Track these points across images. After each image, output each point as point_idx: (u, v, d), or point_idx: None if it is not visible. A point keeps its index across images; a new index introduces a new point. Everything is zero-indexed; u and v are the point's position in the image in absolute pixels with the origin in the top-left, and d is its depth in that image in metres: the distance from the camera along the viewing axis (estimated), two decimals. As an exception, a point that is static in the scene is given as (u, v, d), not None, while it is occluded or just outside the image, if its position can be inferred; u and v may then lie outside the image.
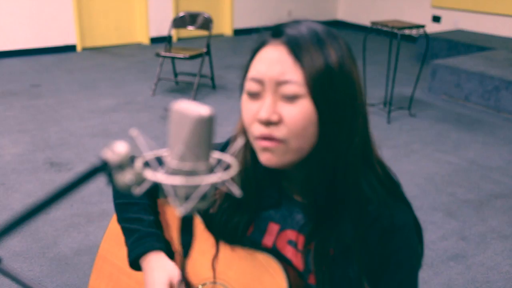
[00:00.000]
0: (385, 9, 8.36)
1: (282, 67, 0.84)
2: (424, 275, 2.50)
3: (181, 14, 5.36)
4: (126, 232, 1.10)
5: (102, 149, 3.84)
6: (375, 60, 6.22)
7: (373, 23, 4.72)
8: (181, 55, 5.08)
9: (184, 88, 5.42)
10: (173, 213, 1.16)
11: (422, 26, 4.61)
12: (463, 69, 5.26)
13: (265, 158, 0.89)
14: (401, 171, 3.62)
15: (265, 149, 0.88)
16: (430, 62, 5.65)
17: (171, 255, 1.10)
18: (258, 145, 0.89)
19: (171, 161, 0.65)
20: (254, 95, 0.87)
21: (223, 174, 0.65)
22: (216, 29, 7.92)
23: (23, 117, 4.46)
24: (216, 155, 0.67)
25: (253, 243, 1.00)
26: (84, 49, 7.08)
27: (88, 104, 4.83)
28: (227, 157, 0.68)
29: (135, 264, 1.07)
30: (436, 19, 7.78)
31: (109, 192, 3.23)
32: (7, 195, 3.17)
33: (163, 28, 7.37)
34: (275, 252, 0.98)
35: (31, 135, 4.02)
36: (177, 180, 0.63)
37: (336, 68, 0.86)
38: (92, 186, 3.19)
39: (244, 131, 0.95)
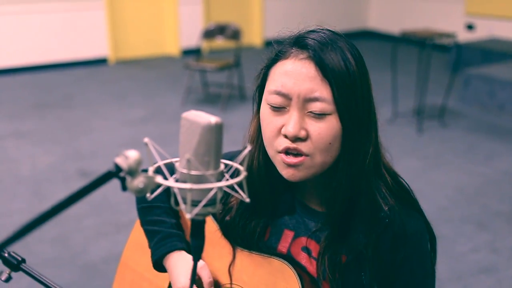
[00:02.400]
0: (417, 17, 8.28)
1: (311, 83, 0.85)
2: (451, 287, 2.44)
3: (210, 25, 5.43)
4: (149, 234, 1.12)
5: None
6: (406, 70, 6.15)
7: (403, 33, 4.68)
8: (209, 67, 5.14)
9: (213, 99, 5.47)
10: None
11: (452, 35, 4.55)
12: (497, 78, 5.15)
13: (288, 174, 0.90)
14: (431, 182, 3.55)
15: (288, 165, 0.89)
16: (463, 71, 5.56)
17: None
18: (281, 159, 0.89)
19: (181, 167, 0.66)
20: (278, 109, 0.88)
21: (231, 180, 0.66)
22: (247, 39, 7.98)
23: (56, 128, 4.57)
24: (224, 162, 0.68)
25: (269, 248, 1.01)
26: (116, 61, 7.24)
27: (119, 115, 4.93)
28: (235, 164, 0.69)
29: (158, 265, 1.08)
30: (470, 27, 7.66)
31: (133, 201, 3.28)
32: (40, 203, 3.25)
33: (193, 40, 7.48)
34: (289, 258, 0.98)
35: (63, 146, 4.12)
36: (185, 185, 0.64)
37: (359, 84, 0.88)
38: (122, 195, 3.24)
39: (255, 140, 0.96)
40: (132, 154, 0.61)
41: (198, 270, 1.03)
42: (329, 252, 0.95)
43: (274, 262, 0.98)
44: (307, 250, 0.99)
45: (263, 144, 0.94)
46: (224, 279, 1.05)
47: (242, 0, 8.16)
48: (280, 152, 0.89)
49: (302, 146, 0.87)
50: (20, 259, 0.80)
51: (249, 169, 0.98)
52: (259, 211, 1.01)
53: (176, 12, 7.48)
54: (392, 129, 4.61)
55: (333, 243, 0.95)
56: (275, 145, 0.89)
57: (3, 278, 0.78)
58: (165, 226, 1.11)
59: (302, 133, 0.86)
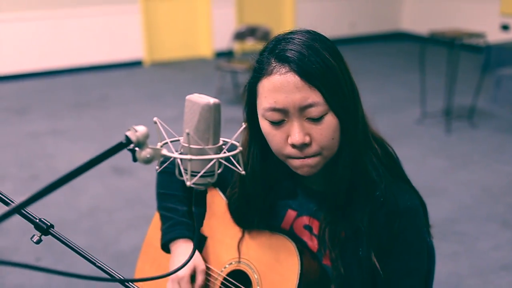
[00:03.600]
0: (451, 18, 8.20)
1: (301, 93, 0.92)
2: (472, 283, 2.47)
3: (242, 27, 5.55)
4: (163, 218, 1.23)
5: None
6: (437, 70, 6.13)
7: (432, 33, 4.68)
8: (239, 68, 5.25)
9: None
10: (212, 205, 1.27)
11: (482, 35, 4.52)
12: (529, 78, 5.09)
13: (304, 172, 0.99)
14: (457, 181, 3.56)
15: (303, 166, 0.97)
16: (495, 72, 5.50)
17: (200, 249, 1.22)
18: (294, 163, 0.98)
19: (184, 142, 0.76)
20: (278, 123, 0.95)
21: (227, 153, 0.75)
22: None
23: (92, 126, 4.77)
24: (223, 139, 0.78)
25: (273, 227, 1.10)
26: (151, 63, 7.44)
27: (151, 115, 5.08)
28: (230, 141, 0.78)
29: (165, 247, 1.19)
30: (505, 27, 7.54)
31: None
32: (75, 197, 3.42)
33: (226, 42, 7.62)
34: (291, 235, 1.07)
35: (98, 143, 4.30)
36: (186, 156, 0.74)
37: (341, 76, 0.95)
38: (153, 191, 3.39)
39: (246, 150, 1.05)
40: (141, 128, 0.71)
41: (198, 272, 1.14)
42: (329, 229, 1.03)
43: (277, 238, 1.07)
44: (308, 227, 1.08)
45: (257, 150, 1.04)
46: (233, 254, 1.15)
47: (275, 2, 8.26)
48: (291, 158, 0.97)
49: (309, 151, 0.95)
50: (49, 224, 0.91)
51: (254, 162, 1.07)
52: (254, 208, 1.10)
53: (209, 15, 7.64)
54: (420, 129, 4.63)
55: (333, 220, 1.03)
56: (285, 154, 0.97)
57: (35, 240, 0.89)
58: (177, 214, 1.22)
59: (307, 139, 0.94)
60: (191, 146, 0.75)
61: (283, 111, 0.93)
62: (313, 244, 1.07)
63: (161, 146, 0.76)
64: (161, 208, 1.26)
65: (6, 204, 0.85)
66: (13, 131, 4.69)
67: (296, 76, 0.91)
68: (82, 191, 3.50)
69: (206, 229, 1.24)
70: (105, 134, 4.53)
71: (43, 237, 0.91)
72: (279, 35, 1.00)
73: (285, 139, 0.96)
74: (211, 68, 6.99)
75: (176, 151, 0.78)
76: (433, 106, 5.08)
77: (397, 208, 1.02)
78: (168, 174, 1.29)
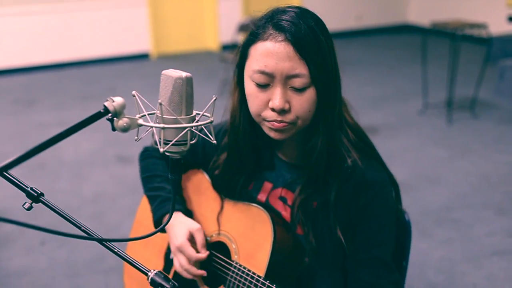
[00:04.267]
0: (457, 10, 8.18)
1: (290, 62, 0.99)
2: (463, 268, 2.51)
3: (246, 20, 5.60)
4: (151, 199, 1.29)
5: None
6: (441, 62, 6.15)
7: (434, 24, 4.71)
8: (244, 59, 5.31)
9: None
10: (190, 188, 1.33)
11: (484, 26, 4.54)
12: (532, 69, 5.09)
13: (274, 135, 1.06)
14: (456, 170, 3.60)
15: (276, 130, 1.04)
16: (499, 63, 5.51)
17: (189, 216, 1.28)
18: (268, 125, 1.05)
19: (159, 113, 0.82)
20: (263, 86, 1.02)
21: (199, 122, 0.81)
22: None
23: (99, 117, 4.85)
24: (196, 111, 0.84)
25: (250, 198, 1.17)
26: (158, 55, 7.52)
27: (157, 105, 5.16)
28: (201, 113, 0.84)
29: (158, 224, 1.25)
30: (511, 19, 7.51)
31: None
32: (80, 184, 3.50)
33: (232, 34, 7.68)
34: (267, 206, 1.13)
35: (104, 133, 4.38)
36: (159, 125, 0.80)
37: (328, 56, 1.02)
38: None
39: (237, 108, 1.11)
40: (118, 99, 0.78)
41: (195, 232, 1.20)
42: (302, 199, 1.10)
43: (253, 209, 1.14)
44: (283, 199, 1.15)
45: (246, 111, 1.10)
46: (213, 226, 1.22)
47: (280, -4, 8.29)
48: (267, 121, 1.04)
49: (287, 117, 1.02)
50: (40, 192, 0.98)
51: (235, 131, 1.14)
52: (243, 166, 1.17)
53: (215, 7, 7.69)
54: (422, 119, 4.66)
55: (306, 191, 1.10)
56: (262, 115, 1.04)
57: (26, 206, 0.96)
58: (165, 192, 1.28)
59: (287, 106, 1.01)
60: (164, 116, 0.81)
61: (271, 76, 1.00)
62: (287, 214, 1.14)
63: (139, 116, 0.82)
64: (148, 190, 1.32)
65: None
66: (22, 122, 4.79)
67: (290, 46, 0.98)
68: (87, 179, 3.59)
69: (191, 205, 1.30)
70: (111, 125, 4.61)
71: (34, 208, 0.98)
72: (278, 6, 1.07)
73: (266, 102, 1.02)
74: (216, 61, 7.05)
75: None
76: (435, 97, 5.11)
77: (364, 181, 1.08)
78: (151, 158, 1.36)
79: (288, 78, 0.99)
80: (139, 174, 1.37)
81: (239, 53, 1.09)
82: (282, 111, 1.01)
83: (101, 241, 0.87)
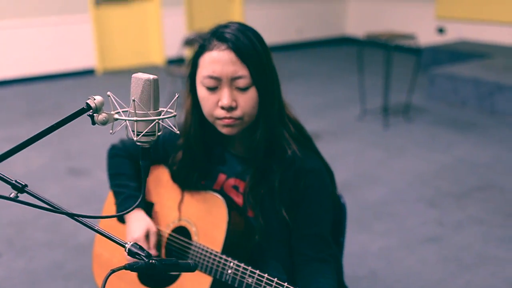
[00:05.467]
0: (391, 23, 8.67)
1: (234, 66, 1.19)
2: (400, 255, 2.77)
3: (191, 34, 5.78)
4: (116, 194, 1.45)
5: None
6: (376, 71, 6.53)
7: (368, 36, 5.05)
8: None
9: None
10: (153, 181, 1.49)
11: (412, 37, 4.91)
12: (460, 76, 5.53)
13: (226, 131, 1.25)
14: (392, 169, 3.90)
15: (227, 125, 1.23)
16: (429, 71, 5.93)
17: (149, 214, 1.44)
18: (220, 123, 1.24)
19: (131, 109, 0.99)
20: (212, 89, 1.22)
21: (165, 116, 0.98)
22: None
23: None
24: (161, 108, 1.01)
25: (207, 187, 1.35)
26: (104, 71, 7.56)
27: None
28: (165, 109, 1.02)
29: (120, 218, 1.41)
30: (441, 30, 8.06)
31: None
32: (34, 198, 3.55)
33: (177, 49, 7.83)
34: (222, 193, 1.32)
35: (54, 148, 4.43)
36: (133, 118, 0.97)
37: (265, 60, 1.23)
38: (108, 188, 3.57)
39: (190, 113, 1.29)
40: (98, 97, 0.94)
41: (151, 233, 1.37)
42: (251, 186, 1.29)
43: (209, 196, 1.32)
44: (235, 187, 1.33)
45: (197, 115, 1.29)
46: (175, 214, 1.38)
47: (223, 9, 8.53)
48: (219, 119, 1.23)
49: (235, 114, 1.22)
50: (24, 184, 1.12)
51: (188, 133, 1.32)
52: (196, 163, 1.35)
53: (160, 23, 7.83)
54: (360, 125, 4.97)
55: (254, 179, 1.29)
56: (214, 115, 1.24)
57: (12, 195, 1.10)
58: (129, 189, 1.44)
59: (234, 104, 1.21)
60: (137, 111, 0.98)
61: (218, 79, 1.20)
62: (239, 200, 1.33)
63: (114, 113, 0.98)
64: (113, 185, 1.48)
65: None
66: (-33, 140, 4.75)
67: (232, 53, 1.19)
68: (40, 192, 3.62)
69: (153, 197, 1.46)
70: (61, 141, 4.66)
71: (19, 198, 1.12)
72: (220, 24, 1.27)
73: (216, 102, 1.22)
74: (163, 75, 7.17)
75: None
76: (372, 103, 5.45)
77: (303, 168, 1.28)
78: (119, 157, 1.52)
79: (233, 80, 1.19)
80: (106, 169, 1.52)
81: (190, 64, 1.28)
82: (230, 109, 1.21)
83: (72, 215, 1.01)
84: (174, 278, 1.33)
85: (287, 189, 1.28)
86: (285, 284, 1.12)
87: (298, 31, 9.19)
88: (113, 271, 0.91)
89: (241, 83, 1.19)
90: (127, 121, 0.98)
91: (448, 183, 3.64)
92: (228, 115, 1.21)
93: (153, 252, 1.34)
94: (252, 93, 1.21)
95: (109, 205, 1.56)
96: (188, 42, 5.78)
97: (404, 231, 3.02)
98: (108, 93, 1.00)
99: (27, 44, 6.94)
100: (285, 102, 1.32)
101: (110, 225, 1.54)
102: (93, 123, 0.96)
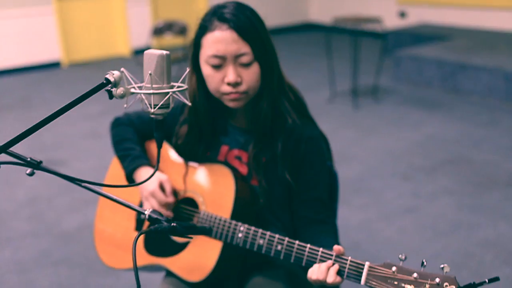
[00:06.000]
0: (353, 9, 8.83)
1: (236, 45, 1.27)
2: (380, 226, 2.90)
3: (159, 23, 5.77)
4: (122, 158, 1.50)
5: (94, 148, 4.22)
6: (344, 55, 6.67)
7: (335, 20, 5.16)
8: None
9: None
10: (154, 151, 1.55)
11: (378, 20, 5.04)
12: (424, 57, 5.71)
13: (233, 104, 1.33)
14: (365, 147, 4.03)
15: (233, 100, 1.31)
16: (394, 53, 6.10)
17: None
18: (227, 98, 1.31)
19: (146, 83, 1.04)
20: (218, 67, 1.29)
21: (179, 88, 1.04)
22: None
23: (18, 126, 4.81)
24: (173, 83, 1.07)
25: (211, 160, 1.41)
26: (69, 63, 7.46)
27: (77, 111, 5.19)
28: (177, 84, 1.08)
29: (130, 178, 1.45)
30: (402, 14, 8.25)
31: (101, 181, 3.60)
32: (12, 190, 3.53)
33: (143, 39, 7.78)
34: (226, 163, 1.38)
35: (27, 141, 4.36)
36: (149, 91, 1.02)
37: (264, 36, 1.31)
38: (88, 177, 3.58)
39: (196, 90, 1.36)
40: (116, 73, 0.99)
41: (164, 182, 1.42)
42: (254, 155, 1.36)
43: (215, 167, 1.38)
44: (239, 158, 1.40)
45: (203, 91, 1.35)
46: (180, 186, 1.44)
47: None
48: (225, 94, 1.30)
49: (240, 89, 1.30)
50: (39, 161, 1.16)
51: (196, 108, 1.38)
52: (203, 136, 1.42)
53: (124, 13, 7.75)
54: (331, 107, 5.09)
55: (257, 148, 1.36)
56: (221, 90, 1.31)
57: (28, 172, 1.14)
58: (135, 152, 1.50)
59: (239, 79, 1.29)
60: (153, 85, 1.04)
61: (222, 58, 1.27)
62: (242, 170, 1.40)
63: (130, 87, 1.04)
64: (119, 151, 1.52)
65: None
66: None
67: (234, 32, 1.26)
68: (18, 184, 3.61)
69: (158, 171, 1.51)
70: (35, 133, 4.60)
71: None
72: (218, 4, 1.34)
73: (222, 79, 1.29)
74: (129, 66, 7.13)
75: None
76: (341, 86, 5.58)
77: (302, 136, 1.37)
78: (123, 125, 1.57)
79: (236, 57, 1.27)
80: (111, 140, 1.57)
81: (192, 45, 1.34)
82: (235, 84, 1.28)
83: (91, 183, 1.06)
84: (183, 246, 1.39)
85: (288, 156, 1.36)
86: (296, 241, 1.20)
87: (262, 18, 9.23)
88: (141, 233, 0.97)
89: (244, 59, 1.27)
90: (142, 94, 1.04)
91: (419, 158, 3.79)
92: (234, 90, 1.29)
93: (170, 199, 1.39)
94: (255, 68, 1.29)
95: (114, 171, 1.59)
96: (156, 31, 5.77)
97: (382, 204, 3.15)
98: (122, 69, 1.05)
99: (-11, 38, 6.78)
100: (282, 72, 1.39)
101: (116, 190, 1.58)
102: (111, 97, 1.01)
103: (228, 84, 1.28)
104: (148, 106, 1.04)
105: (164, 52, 1.04)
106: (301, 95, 1.44)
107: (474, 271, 2.47)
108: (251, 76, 1.29)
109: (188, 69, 1.11)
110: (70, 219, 3.12)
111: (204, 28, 1.30)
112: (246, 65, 1.28)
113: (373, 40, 7.76)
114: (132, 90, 1.02)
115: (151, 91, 1.03)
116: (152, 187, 1.39)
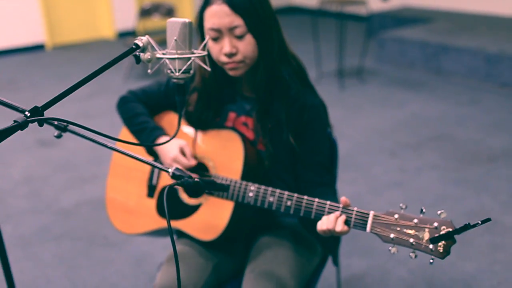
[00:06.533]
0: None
1: (229, 18, 1.36)
2: (369, 199, 3.03)
3: (146, 5, 5.78)
4: (137, 134, 1.57)
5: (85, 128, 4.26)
6: (329, 38, 6.76)
7: (321, 2, 5.24)
8: (149, 43, 5.51)
9: (153, 74, 5.84)
10: (165, 126, 1.63)
11: (363, 2, 5.14)
12: (407, 39, 5.83)
13: (233, 73, 1.42)
14: (352, 126, 4.15)
15: (231, 69, 1.40)
16: (378, 35, 6.21)
17: None
18: (226, 67, 1.41)
19: (170, 49, 1.12)
20: (216, 39, 1.39)
21: (200, 54, 1.13)
22: (180, 16, 8.32)
23: (5, 109, 4.81)
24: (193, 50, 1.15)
25: (219, 126, 1.50)
26: (53, 46, 7.42)
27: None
28: (197, 52, 1.16)
29: (150, 149, 1.53)
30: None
31: (96, 161, 3.66)
32: (7, 169, 3.57)
33: (127, 22, 7.76)
34: (234, 129, 1.47)
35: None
36: (174, 56, 1.10)
37: (260, 9, 1.39)
38: (82, 156, 3.64)
39: (207, 58, 1.44)
40: (144, 38, 1.07)
41: (184, 146, 1.50)
42: (258, 120, 1.45)
43: (223, 132, 1.48)
44: (245, 124, 1.50)
45: (210, 60, 1.44)
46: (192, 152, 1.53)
47: (172, -18, 8.48)
48: (224, 64, 1.38)
49: (236, 58, 1.39)
50: (66, 124, 1.23)
51: (203, 75, 1.47)
52: (211, 102, 1.50)
53: (109, -4, 7.72)
54: (318, 88, 5.09)
55: (259, 114, 1.45)
56: (220, 60, 1.41)
57: (56, 134, 1.22)
58: (150, 124, 1.58)
59: (234, 50, 1.38)
60: (177, 50, 1.11)
61: (218, 30, 1.37)
62: (249, 135, 1.49)
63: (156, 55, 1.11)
64: (133, 125, 1.59)
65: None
66: None
67: (226, 6, 1.35)
68: (13, 164, 3.65)
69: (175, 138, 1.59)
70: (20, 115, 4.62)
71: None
72: None
73: (220, 50, 1.39)
74: (114, 49, 7.13)
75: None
76: (327, 67, 5.69)
77: (305, 104, 1.46)
78: (132, 102, 1.64)
79: (230, 29, 1.36)
80: (120, 117, 1.63)
81: (198, 17, 1.43)
82: (231, 55, 1.38)
83: (115, 139, 1.14)
84: (196, 208, 1.48)
85: (292, 122, 1.45)
86: (305, 196, 1.30)
87: None
88: (170, 187, 1.05)
89: (238, 31, 1.36)
90: (166, 59, 1.12)
91: (405, 135, 3.92)
92: (230, 60, 1.39)
93: (192, 162, 1.48)
94: (249, 39, 1.38)
95: (122, 145, 1.66)
96: (144, 13, 5.79)
97: (370, 179, 3.28)
98: (146, 36, 1.13)
99: (-28, 20, 6.70)
100: (285, 40, 1.48)
101: (122, 168, 1.66)
102: (138, 62, 1.08)
103: (225, 54, 1.38)
104: (172, 70, 1.12)
105: (187, 20, 1.12)
106: (303, 64, 1.52)
107: (459, 239, 2.59)
108: (246, 47, 1.38)
109: (207, 38, 1.18)
110: (67, 196, 3.18)
111: (205, 2, 1.40)
112: (240, 37, 1.37)
113: (356, 23, 7.87)
114: (158, 55, 1.10)
115: (175, 56, 1.11)
116: (174, 153, 1.48)
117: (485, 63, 5.21)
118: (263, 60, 1.41)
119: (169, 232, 0.98)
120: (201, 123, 1.52)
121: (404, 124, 4.15)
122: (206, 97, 1.50)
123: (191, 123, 1.54)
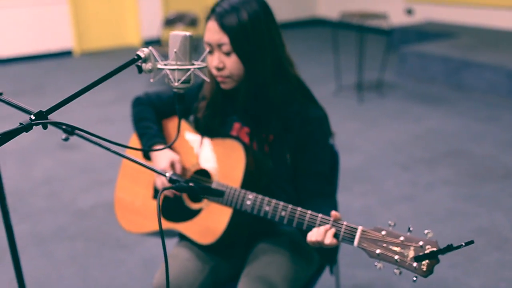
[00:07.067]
0: (361, 5, 8.94)
1: (218, 35, 1.45)
2: (379, 211, 3.05)
3: (171, 14, 5.92)
4: (140, 136, 1.66)
5: (107, 133, 4.38)
6: (349, 51, 6.80)
7: (342, 15, 5.29)
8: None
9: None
10: (173, 131, 1.70)
11: (384, 16, 5.17)
12: (429, 54, 5.83)
13: (223, 86, 1.51)
14: (367, 138, 4.17)
15: (221, 82, 1.50)
16: (400, 50, 6.22)
17: None
18: (217, 79, 1.51)
19: (171, 60, 1.19)
20: (210, 52, 1.49)
21: (199, 66, 1.19)
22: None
23: (33, 111, 4.98)
24: (194, 61, 1.22)
25: (224, 135, 1.56)
26: (81, 53, 7.62)
27: (89, 99, 5.36)
28: (197, 63, 1.23)
29: (146, 154, 1.61)
30: (409, 11, 8.36)
31: (114, 164, 3.76)
32: (28, 169, 3.70)
33: (153, 30, 7.93)
34: (237, 138, 1.53)
35: (41, 128, 4.54)
36: (173, 66, 1.17)
37: (249, 28, 1.43)
38: (102, 160, 3.74)
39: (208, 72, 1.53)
40: (146, 49, 1.14)
41: (175, 161, 1.57)
42: (252, 133, 1.53)
43: (227, 141, 1.54)
44: (249, 134, 1.55)
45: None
46: (195, 159, 1.60)
47: (198, -8, 8.64)
48: (216, 76, 1.49)
49: (223, 73, 1.48)
50: (74, 127, 1.31)
51: (213, 83, 1.54)
52: (216, 113, 1.57)
53: (136, 4, 7.91)
54: (336, 100, 5.23)
55: (251, 127, 1.52)
56: (212, 73, 1.50)
57: (63, 137, 1.30)
58: (152, 130, 1.66)
59: (221, 65, 1.47)
60: (177, 62, 1.18)
61: (210, 45, 1.46)
62: (254, 145, 1.55)
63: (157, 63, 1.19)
64: (138, 128, 1.69)
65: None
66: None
67: (216, 24, 1.43)
68: (35, 165, 3.78)
69: (175, 146, 1.67)
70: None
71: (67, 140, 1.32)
72: None
73: (212, 63, 1.47)
74: (141, 56, 7.28)
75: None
76: (347, 80, 5.72)
77: (308, 117, 1.51)
78: (143, 105, 1.73)
79: (218, 46, 1.45)
80: (131, 117, 1.73)
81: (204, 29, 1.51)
82: (219, 69, 1.47)
83: (117, 144, 1.21)
84: (197, 212, 1.55)
85: (293, 135, 1.50)
86: (299, 208, 1.35)
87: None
88: (165, 189, 1.11)
89: (224, 49, 1.44)
90: (167, 70, 1.19)
91: (419, 149, 3.93)
92: (219, 74, 1.48)
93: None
94: (234, 57, 1.45)
95: (130, 153, 1.75)
96: (168, 22, 5.92)
97: (381, 191, 3.30)
98: (150, 47, 1.20)
99: (3, 24, 6.95)
100: (289, 60, 1.53)
101: (131, 169, 1.74)
102: (140, 71, 1.16)
103: (214, 68, 1.46)
104: (172, 80, 1.19)
105: (187, 33, 1.19)
106: (306, 84, 1.57)
107: (467, 255, 2.61)
108: (232, 64, 1.46)
109: (207, 49, 1.25)
110: (85, 198, 3.28)
111: (207, 16, 1.49)
112: (227, 54, 1.45)
113: (379, 36, 7.89)
114: (159, 66, 1.17)
115: (175, 67, 1.18)
116: (164, 165, 1.55)
117: (507, 79, 5.18)
118: (248, 80, 1.48)
119: (160, 233, 1.04)
120: (208, 130, 1.59)
121: (419, 139, 4.16)
122: (213, 106, 1.57)
123: (198, 129, 1.61)
